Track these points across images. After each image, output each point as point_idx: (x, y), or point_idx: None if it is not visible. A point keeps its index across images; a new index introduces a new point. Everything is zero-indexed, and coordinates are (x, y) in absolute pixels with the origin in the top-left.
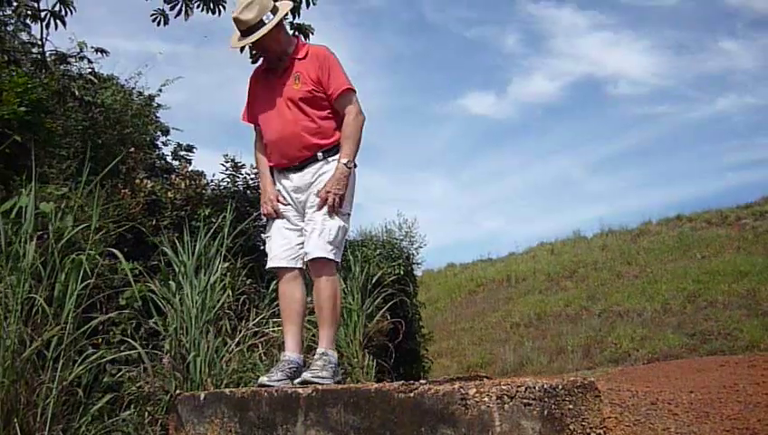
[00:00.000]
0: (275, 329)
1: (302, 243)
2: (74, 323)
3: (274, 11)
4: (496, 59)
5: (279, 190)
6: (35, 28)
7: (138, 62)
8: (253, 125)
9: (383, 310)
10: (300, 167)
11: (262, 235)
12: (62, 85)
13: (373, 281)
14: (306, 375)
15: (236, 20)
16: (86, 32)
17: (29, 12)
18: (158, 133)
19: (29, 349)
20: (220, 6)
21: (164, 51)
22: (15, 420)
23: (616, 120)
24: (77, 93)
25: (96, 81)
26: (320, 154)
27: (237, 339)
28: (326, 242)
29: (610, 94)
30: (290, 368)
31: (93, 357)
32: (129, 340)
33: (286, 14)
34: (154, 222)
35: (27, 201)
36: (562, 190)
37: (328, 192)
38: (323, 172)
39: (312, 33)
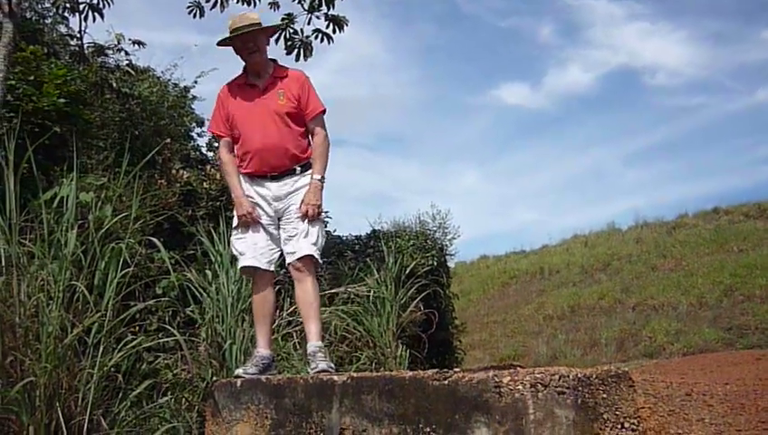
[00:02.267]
0: None
1: (275, 248)
2: (114, 310)
3: None
4: (531, 49)
5: (252, 198)
6: (73, 21)
7: (173, 53)
8: (222, 137)
9: (416, 301)
10: (279, 177)
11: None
12: (99, 77)
13: (407, 272)
14: (322, 365)
15: (242, 15)
16: (123, 24)
17: (68, 4)
18: (194, 124)
19: (70, 335)
20: None
21: (199, 42)
22: (57, 404)
23: (652, 112)
24: (114, 85)
25: (133, 72)
26: (297, 168)
27: (272, 328)
28: (311, 243)
29: (647, 85)
30: (263, 363)
31: (132, 344)
32: (167, 327)
33: (275, 33)
34: (190, 212)
35: (68, 191)
36: (597, 182)
37: (308, 204)
38: (303, 185)
39: (347, 25)
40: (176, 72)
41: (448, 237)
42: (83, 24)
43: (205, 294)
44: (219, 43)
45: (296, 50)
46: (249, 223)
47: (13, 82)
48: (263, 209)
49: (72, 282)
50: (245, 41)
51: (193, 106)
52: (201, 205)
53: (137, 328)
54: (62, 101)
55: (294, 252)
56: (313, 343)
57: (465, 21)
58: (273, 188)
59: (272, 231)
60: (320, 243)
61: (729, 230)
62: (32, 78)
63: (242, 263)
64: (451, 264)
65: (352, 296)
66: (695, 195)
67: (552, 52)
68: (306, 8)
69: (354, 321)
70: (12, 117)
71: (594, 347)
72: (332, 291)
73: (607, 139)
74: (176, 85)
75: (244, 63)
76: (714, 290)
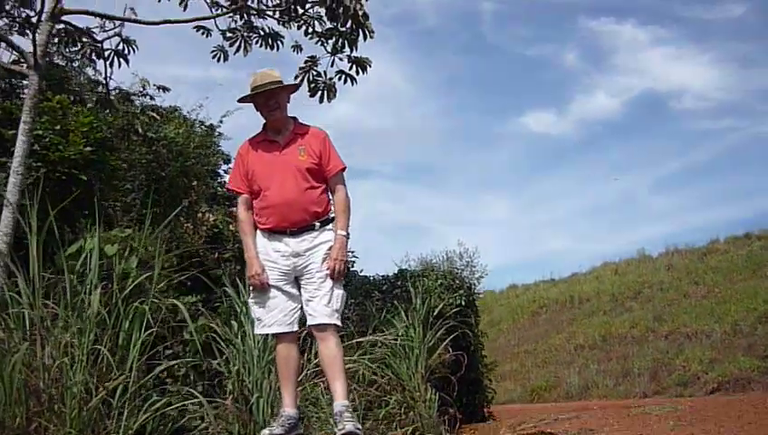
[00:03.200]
0: None
1: (296, 307)
2: (138, 370)
3: None
4: (557, 77)
5: (268, 255)
6: (101, 63)
7: (200, 87)
8: (241, 194)
9: (445, 343)
10: (298, 232)
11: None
12: (126, 122)
13: (434, 314)
14: (349, 426)
15: (263, 73)
16: (150, 60)
17: (93, 51)
18: (220, 162)
19: (95, 399)
20: (278, 42)
21: (225, 76)
22: None
23: (680, 136)
24: (140, 130)
25: (158, 117)
26: (317, 223)
27: (300, 377)
28: (333, 310)
29: (674, 109)
30: (289, 423)
31: (158, 405)
32: (193, 378)
33: (295, 90)
34: (216, 255)
35: (92, 245)
36: (626, 209)
37: (335, 260)
38: (322, 242)
39: (370, 66)
40: (201, 113)
41: (476, 276)
42: (109, 70)
43: (231, 346)
44: (240, 100)
45: (320, 92)
46: (257, 286)
47: (39, 132)
48: (278, 267)
49: (96, 346)
50: (267, 98)
51: (219, 144)
52: (228, 247)
53: (165, 375)
54: (88, 149)
55: (315, 316)
56: (339, 402)
57: (490, 50)
58: (291, 243)
59: (288, 290)
60: (341, 306)
61: (762, 256)
62: (58, 127)
63: (258, 330)
64: (480, 292)
65: (380, 343)
66: (725, 220)
67: (577, 78)
68: (329, 50)
69: (383, 364)
70: (39, 166)
71: (627, 377)
72: (360, 340)
73: (634, 164)
74: (202, 123)
75: (264, 120)
76: (748, 317)
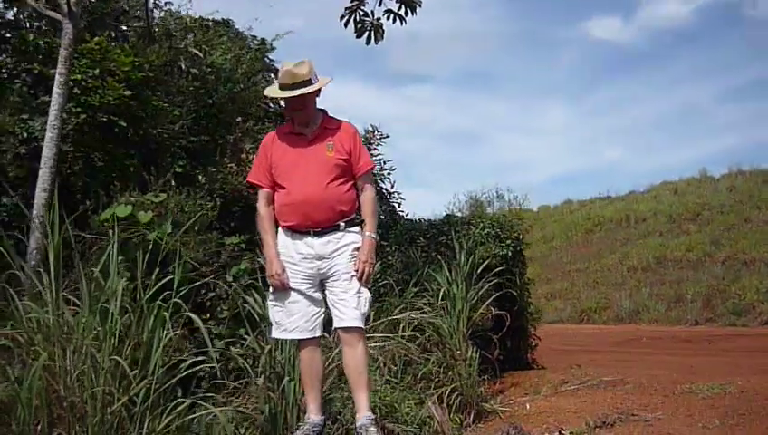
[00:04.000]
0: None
1: (319, 312)
2: (162, 375)
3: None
4: None
5: (291, 257)
6: None
7: None
8: (262, 188)
9: (490, 299)
10: (322, 232)
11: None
12: (168, 59)
13: (479, 269)
14: None
15: (289, 72)
16: None
17: None
18: (272, 76)
19: (117, 403)
20: None
21: None
22: None
23: (753, 45)
24: (183, 67)
25: (201, 55)
26: (341, 224)
27: (333, 355)
28: (360, 313)
29: (748, 16)
30: (314, 431)
31: (180, 408)
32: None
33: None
34: None
35: (126, 211)
36: (690, 121)
37: (364, 262)
38: (347, 243)
39: (420, 5)
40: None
41: (526, 224)
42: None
43: (265, 322)
44: (267, 93)
45: (366, 32)
46: (278, 287)
47: (78, 76)
48: (300, 270)
49: (115, 357)
50: (294, 100)
51: (271, 58)
52: None
53: (208, 316)
54: (128, 93)
55: (343, 319)
56: (363, 414)
57: None
58: (315, 245)
59: (311, 294)
60: (368, 309)
61: None
62: (97, 70)
63: (277, 334)
64: (534, 208)
65: (423, 293)
66: None
67: None
68: None
69: (422, 321)
70: (79, 112)
71: (679, 302)
72: (396, 317)
73: (703, 75)
74: (254, 37)
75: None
76: None
